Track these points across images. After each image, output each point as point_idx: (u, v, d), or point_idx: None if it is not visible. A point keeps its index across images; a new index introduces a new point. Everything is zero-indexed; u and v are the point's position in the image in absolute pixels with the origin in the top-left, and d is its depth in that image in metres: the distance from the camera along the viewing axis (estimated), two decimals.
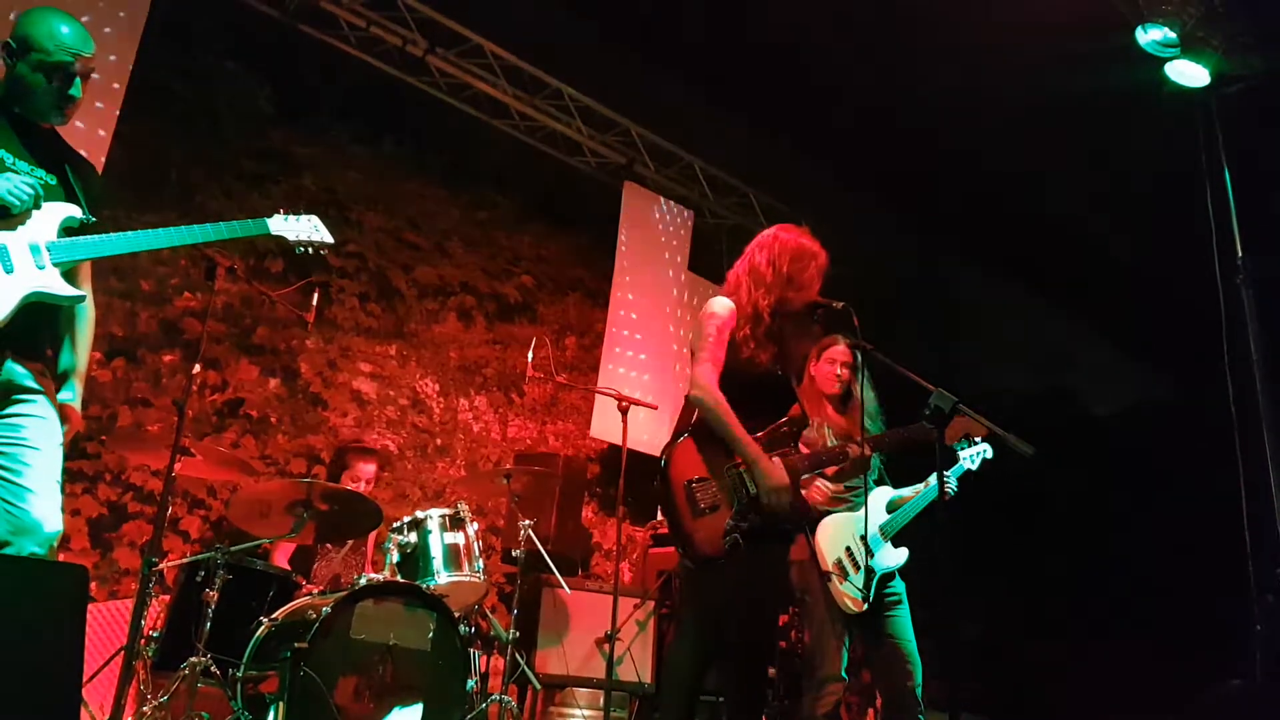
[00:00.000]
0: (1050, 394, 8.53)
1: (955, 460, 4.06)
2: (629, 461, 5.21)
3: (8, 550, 2.49)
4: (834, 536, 3.99)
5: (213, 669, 3.62)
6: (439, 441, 6.82)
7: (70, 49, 2.73)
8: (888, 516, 4.03)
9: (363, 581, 3.84)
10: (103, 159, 5.12)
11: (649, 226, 7.96)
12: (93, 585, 5.08)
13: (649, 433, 6.91)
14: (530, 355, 5.38)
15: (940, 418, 2.95)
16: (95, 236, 2.71)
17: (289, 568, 4.53)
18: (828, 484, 3.93)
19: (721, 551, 3.08)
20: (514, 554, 4.91)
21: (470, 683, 3.92)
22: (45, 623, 2.18)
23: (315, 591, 4.23)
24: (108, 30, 5.36)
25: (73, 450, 5.11)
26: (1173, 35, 4.96)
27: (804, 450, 3.39)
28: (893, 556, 3.97)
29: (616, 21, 6.53)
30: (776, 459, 3.18)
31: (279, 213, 3.15)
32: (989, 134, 6.89)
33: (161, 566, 3.89)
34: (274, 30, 6.30)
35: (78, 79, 2.76)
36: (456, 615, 3.92)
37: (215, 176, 6.04)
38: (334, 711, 3.42)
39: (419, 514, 4.41)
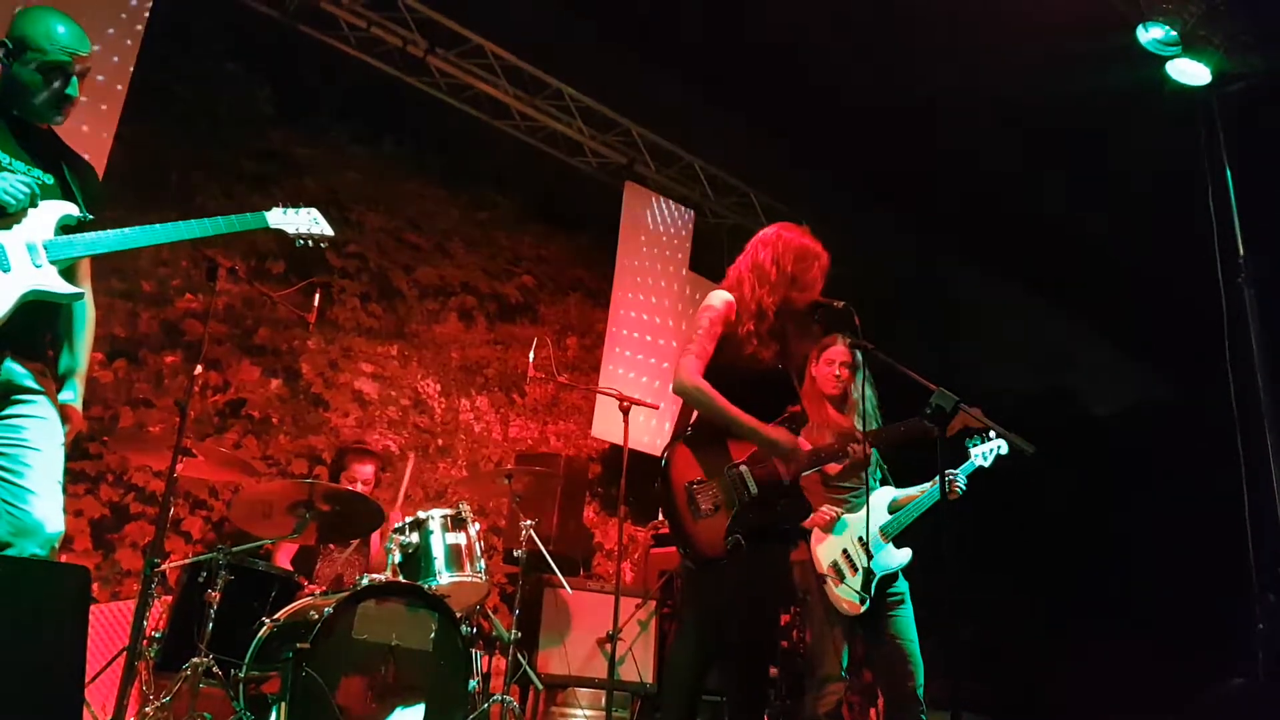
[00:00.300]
0: (1050, 394, 8.53)
1: (966, 457, 4.05)
2: (630, 461, 5.21)
3: (9, 552, 2.48)
4: (830, 540, 3.99)
5: (215, 669, 3.62)
6: (440, 442, 6.82)
7: (68, 49, 2.72)
8: (889, 517, 4.03)
9: (365, 582, 3.84)
10: (104, 161, 5.12)
11: (650, 226, 7.96)
12: (95, 586, 5.08)
13: (650, 433, 6.92)
14: (531, 355, 5.38)
15: (941, 417, 2.95)
16: (92, 234, 2.71)
17: (291, 568, 4.53)
18: (833, 508, 3.94)
19: (723, 553, 3.08)
20: (516, 554, 4.91)
21: (472, 683, 3.92)
22: (47, 623, 2.18)
23: (317, 592, 4.23)
24: (109, 32, 5.37)
25: (75, 451, 5.11)
26: (1173, 34, 4.96)
27: (805, 447, 3.38)
28: (894, 557, 3.97)
29: (616, 21, 6.53)
30: (775, 462, 3.19)
31: (277, 206, 3.13)
32: (989, 134, 6.88)
33: (164, 567, 3.90)
34: (274, 31, 6.30)
35: (75, 79, 2.75)
36: (458, 615, 3.92)
37: (216, 178, 6.04)
38: (336, 712, 3.42)
39: (420, 514, 4.41)
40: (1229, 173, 4.78)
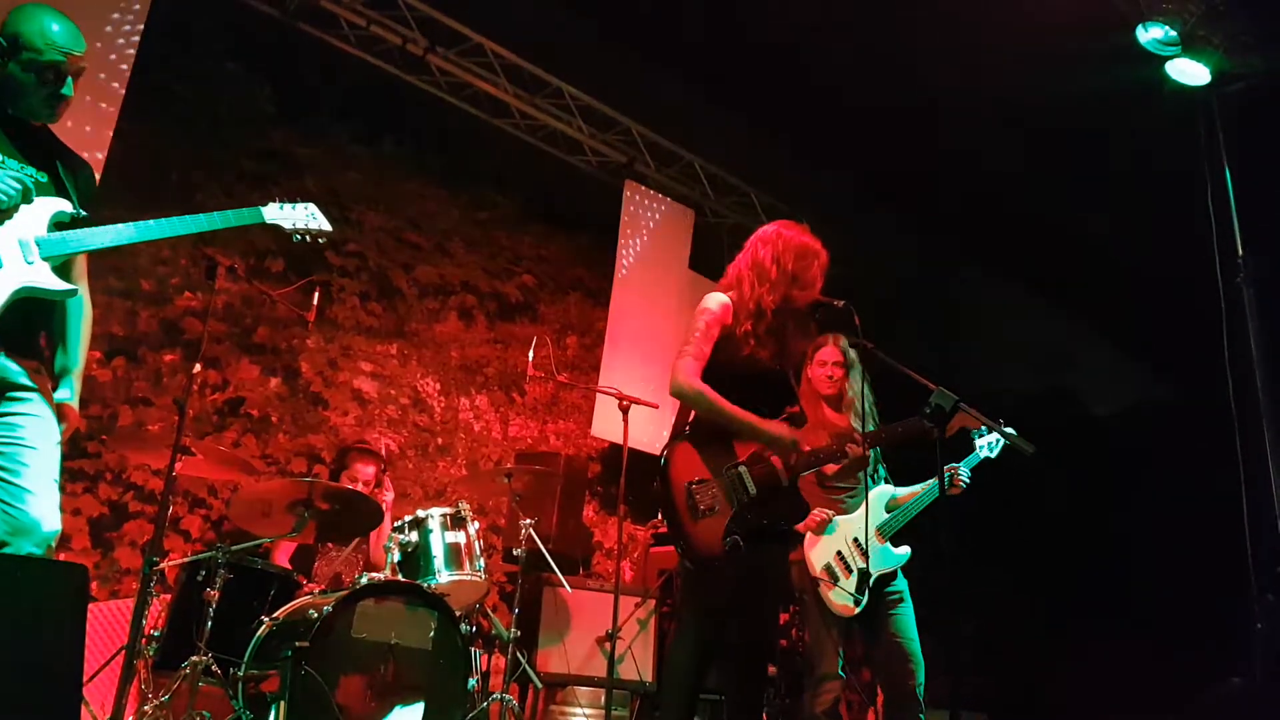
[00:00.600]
0: (1051, 394, 8.53)
1: (970, 449, 4.05)
2: (630, 460, 5.21)
3: (5, 550, 2.47)
4: (824, 542, 3.99)
5: (214, 668, 3.62)
6: (440, 441, 6.82)
7: (62, 48, 2.71)
8: (886, 516, 4.03)
9: (364, 580, 3.84)
10: (103, 160, 5.12)
11: (650, 225, 7.96)
12: (94, 585, 5.08)
13: (650, 432, 6.91)
14: (531, 354, 5.38)
15: (941, 416, 2.95)
16: (86, 230, 2.69)
17: (290, 567, 4.53)
18: (825, 511, 3.95)
19: (721, 553, 3.08)
20: (515, 553, 4.91)
21: (471, 682, 3.92)
22: (46, 622, 2.18)
23: (316, 590, 4.23)
24: (108, 30, 5.36)
25: (73, 449, 5.12)
26: (1173, 33, 4.96)
27: (803, 448, 3.38)
28: (892, 557, 3.97)
29: (617, 20, 6.52)
30: (772, 457, 3.19)
31: (274, 201, 3.12)
32: (990, 134, 6.88)
33: (162, 566, 3.90)
34: (274, 30, 6.30)
35: (69, 79, 2.75)
36: (458, 614, 3.92)
37: (216, 177, 6.04)
38: (335, 711, 3.42)
39: (420, 513, 4.41)
40: (1228, 173, 4.79)
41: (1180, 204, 5.16)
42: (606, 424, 7.03)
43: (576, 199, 7.92)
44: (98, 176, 3.11)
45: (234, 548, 3.94)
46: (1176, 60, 5.04)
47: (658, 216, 8.03)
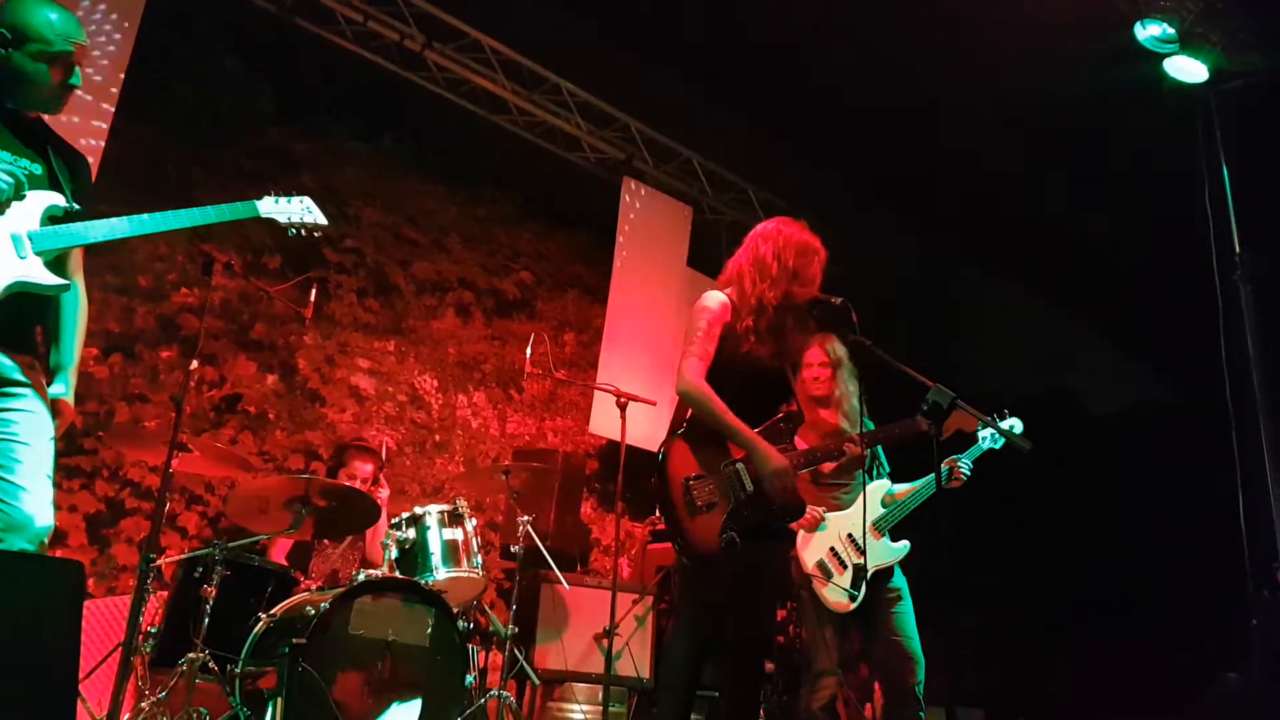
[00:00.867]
0: (1050, 394, 8.53)
1: (973, 441, 4.05)
2: (627, 457, 5.21)
3: None
4: (815, 539, 3.99)
5: (211, 665, 3.62)
6: (437, 438, 6.82)
7: (71, 38, 2.69)
8: (883, 511, 4.03)
9: (361, 577, 3.83)
10: (100, 156, 5.11)
11: (648, 222, 7.95)
12: (91, 581, 5.08)
13: (647, 429, 6.90)
14: (529, 351, 5.38)
15: (938, 413, 2.95)
16: (79, 224, 2.66)
17: (286, 564, 4.53)
18: (815, 509, 3.95)
19: (718, 549, 3.07)
20: (513, 550, 4.91)
21: (469, 678, 3.93)
22: (42, 619, 2.17)
23: (313, 587, 4.22)
24: (105, 24, 5.35)
25: (70, 446, 5.12)
26: (1171, 31, 4.96)
27: (800, 446, 3.38)
28: (889, 552, 3.97)
29: (615, 17, 6.51)
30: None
31: (269, 194, 3.10)
32: (989, 133, 6.88)
33: (159, 562, 3.89)
34: (272, 26, 6.28)
35: (76, 67, 2.74)
36: (455, 611, 3.92)
37: (214, 174, 6.03)
38: (333, 707, 3.42)
39: (417, 510, 4.41)
40: (1225, 170, 4.79)
41: (1179, 202, 5.16)
42: (604, 421, 7.03)
43: (574, 196, 7.91)
44: (94, 173, 3.09)
45: (231, 544, 3.94)
46: (1175, 58, 5.05)
47: (656, 213, 8.02)
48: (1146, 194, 6.59)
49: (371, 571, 3.98)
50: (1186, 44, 4.95)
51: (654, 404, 5.91)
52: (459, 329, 7.12)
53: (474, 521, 4.52)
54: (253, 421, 5.94)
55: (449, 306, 7.09)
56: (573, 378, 7.32)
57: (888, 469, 4.22)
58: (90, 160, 3.03)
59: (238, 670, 3.60)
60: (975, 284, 8.65)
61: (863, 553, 3.91)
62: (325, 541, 4.81)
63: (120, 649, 3.47)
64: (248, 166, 6.20)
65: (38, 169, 2.69)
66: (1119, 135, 6.48)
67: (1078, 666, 7.40)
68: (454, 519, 4.44)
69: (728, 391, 3.17)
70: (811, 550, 3.98)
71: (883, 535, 3.99)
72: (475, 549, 4.45)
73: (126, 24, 5.45)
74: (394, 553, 4.24)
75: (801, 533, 4.00)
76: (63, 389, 2.77)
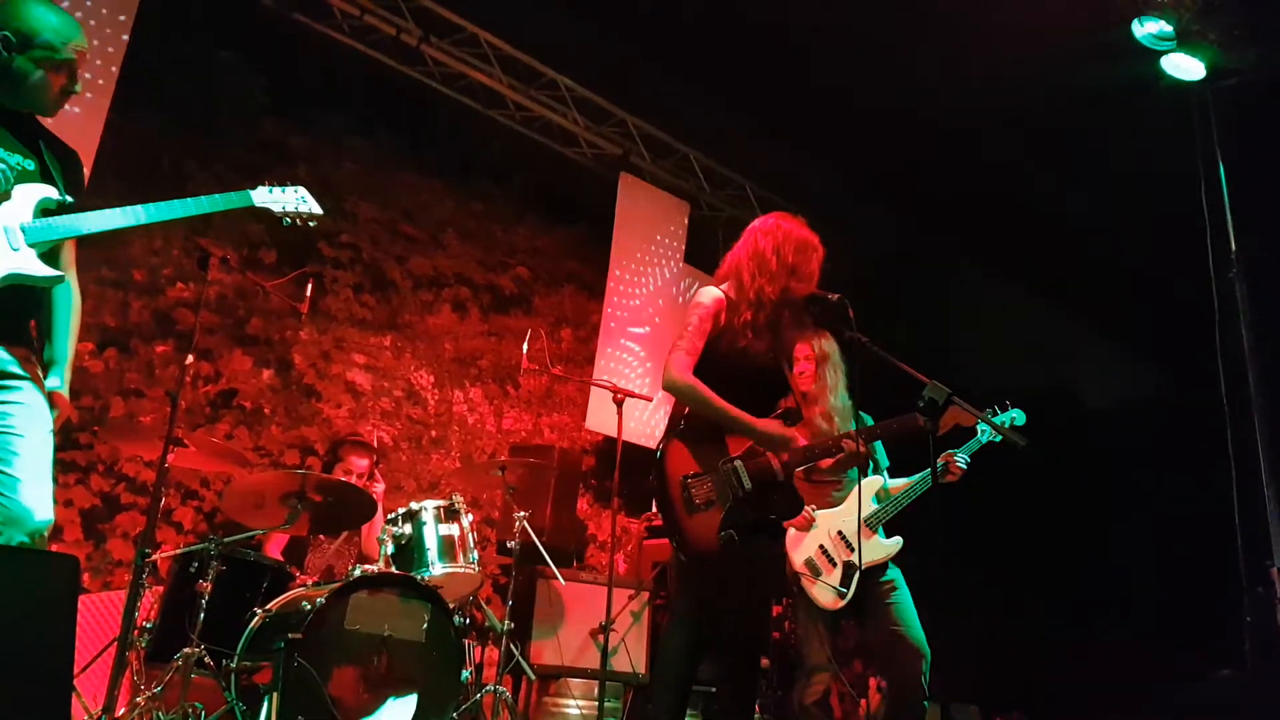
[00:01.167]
0: (1047, 391, 8.53)
1: (971, 435, 4.05)
2: (624, 453, 5.21)
3: None
4: (806, 537, 4.00)
5: (206, 660, 3.62)
6: (434, 433, 6.81)
7: (75, 45, 2.71)
8: (876, 507, 4.03)
9: (357, 572, 3.83)
10: (95, 149, 5.09)
11: (645, 218, 7.94)
12: (86, 576, 5.07)
13: (644, 425, 6.92)
14: (525, 347, 5.38)
15: (934, 410, 2.95)
16: (72, 216, 2.66)
17: (282, 559, 4.53)
18: (808, 508, 3.95)
19: (716, 547, 3.07)
20: (509, 545, 4.91)
21: (465, 673, 3.93)
22: (36, 614, 2.16)
23: (309, 583, 4.23)
24: (100, 17, 5.33)
25: (65, 441, 5.11)
26: (1169, 28, 4.96)
27: (799, 442, 3.38)
28: (881, 548, 3.97)
29: (612, 12, 6.50)
30: (770, 455, 3.19)
31: (263, 184, 3.10)
32: (988, 131, 6.88)
33: (155, 557, 3.88)
34: (268, 19, 6.26)
35: (77, 73, 2.75)
36: (451, 606, 3.93)
37: (208, 167, 6.01)
38: (328, 702, 3.42)
39: (414, 505, 4.40)
40: (1222, 168, 4.79)
41: (1175, 200, 5.17)
42: (601, 417, 7.03)
43: (571, 191, 7.90)
44: (88, 166, 3.09)
45: (227, 539, 3.94)
46: (1172, 55, 5.05)
47: (653, 209, 8.02)
48: (1143, 191, 6.59)
49: (367, 567, 3.98)
50: (1184, 41, 4.96)
51: (650, 400, 5.92)
52: (455, 324, 7.11)
53: (470, 517, 4.51)
54: (248, 417, 5.93)
55: (445, 302, 7.08)
56: (569, 374, 7.32)
57: (886, 464, 4.22)
58: (85, 152, 3.03)
59: (233, 665, 3.60)
60: (975, 282, 8.65)
61: (853, 550, 3.91)
62: (321, 537, 4.81)
63: (115, 644, 3.48)
64: (243, 160, 6.18)
65: (30, 164, 2.69)
66: (1116, 133, 6.48)
67: (1073, 662, 7.41)
68: (450, 514, 4.44)
69: (725, 387, 3.17)
70: (800, 549, 3.98)
71: (875, 532, 3.98)
72: (471, 544, 4.45)
73: (122, 16, 5.44)
74: (390, 548, 4.24)
75: (791, 531, 4.00)
76: (57, 383, 2.77)
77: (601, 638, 5.18)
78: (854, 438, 3.66)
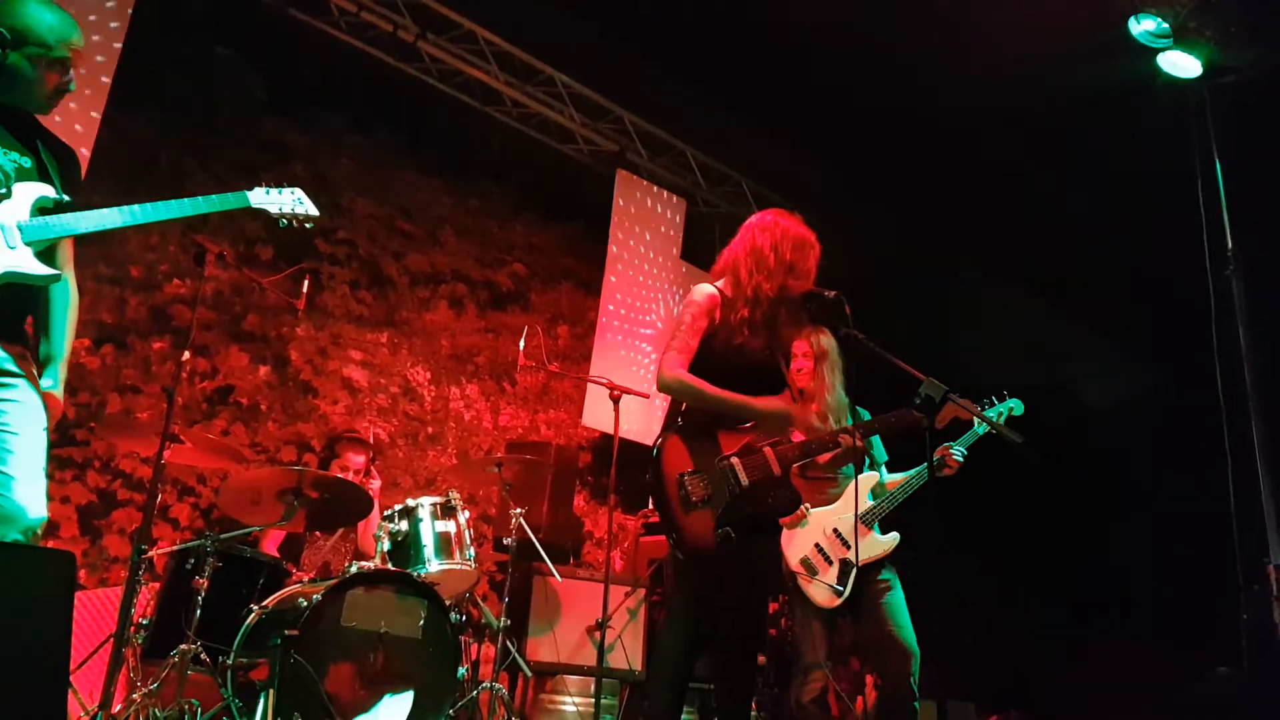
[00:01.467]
0: (1045, 389, 8.54)
1: (967, 427, 4.04)
2: (620, 450, 5.21)
3: None
4: (798, 536, 3.99)
5: (203, 656, 3.62)
6: (430, 430, 6.81)
7: (70, 43, 2.71)
8: (873, 503, 4.02)
9: (353, 569, 3.83)
10: (91, 146, 5.08)
11: (641, 215, 7.94)
12: (82, 572, 5.07)
13: (641, 422, 6.91)
14: (522, 344, 5.38)
15: (931, 407, 2.95)
16: (69, 214, 2.67)
17: (278, 555, 4.53)
18: (807, 507, 3.95)
19: (713, 544, 3.07)
20: (505, 542, 4.91)
21: (461, 670, 3.93)
22: (32, 610, 2.16)
23: (305, 579, 4.22)
24: (98, 15, 5.31)
25: (62, 437, 5.10)
26: (1165, 26, 4.97)
27: (796, 439, 3.38)
28: (878, 544, 3.96)
29: (609, 9, 6.49)
30: (767, 449, 3.18)
31: (260, 185, 3.10)
32: (988, 131, 6.87)
33: (151, 554, 3.89)
34: (266, 17, 6.25)
35: (71, 71, 2.74)
36: (448, 603, 3.92)
37: (206, 164, 6.00)
38: (325, 699, 3.42)
39: (410, 502, 4.40)
40: (1219, 165, 4.80)
41: (1172, 197, 5.17)
42: (597, 414, 7.03)
43: (568, 188, 7.90)
44: (85, 164, 3.09)
45: (223, 536, 3.94)
46: (1168, 53, 5.05)
47: (650, 206, 8.01)
48: (1141, 191, 6.59)
49: (364, 563, 3.98)
50: (1180, 39, 4.96)
51: (647, 397, 5.91)
52: (452, 321, 7.10)
53: (466, 514, 4.51)
54: (245, 413, 5.93)
55: (442, 299, 7.07)
56: (566, 370, 7.32)
57: (884, 458, 4.21)
58: (82, 150, 3.03)
59: (230, 662, 3.60)
60: (974, 281, 8.65)
61: (849, 547, 3.90)
62: (317, 533, 4.81)
63: (112, 640, 3.47)
64: (240, 157, 6.17)
65: (27, 162, 2.69)
66: (1115, 132, 6.48)
67: (1070, 661, 7.42)
68: (446, 511, 4.44)
69: (721, 383, 3.17)
70: (795, 547, 3.97)
71: (871, 528, 3.98)
72: (468, 541, 4.44)
73: (120, 13, 5.43)
74: (386, 545, 4.24)
75: (785, 529, 3.99)
76: (52, 381, 2.77)
77: (598, 635, 5.17)
78: (851, 432, 3.66)
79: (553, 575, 5.46)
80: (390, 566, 4.08)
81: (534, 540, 5.07)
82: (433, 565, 4.26)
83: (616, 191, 7.77)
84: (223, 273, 5.77)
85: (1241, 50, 4.88)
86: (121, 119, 5.41)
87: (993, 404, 4.03)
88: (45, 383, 2.75)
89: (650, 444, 3.28)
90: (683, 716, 3.26)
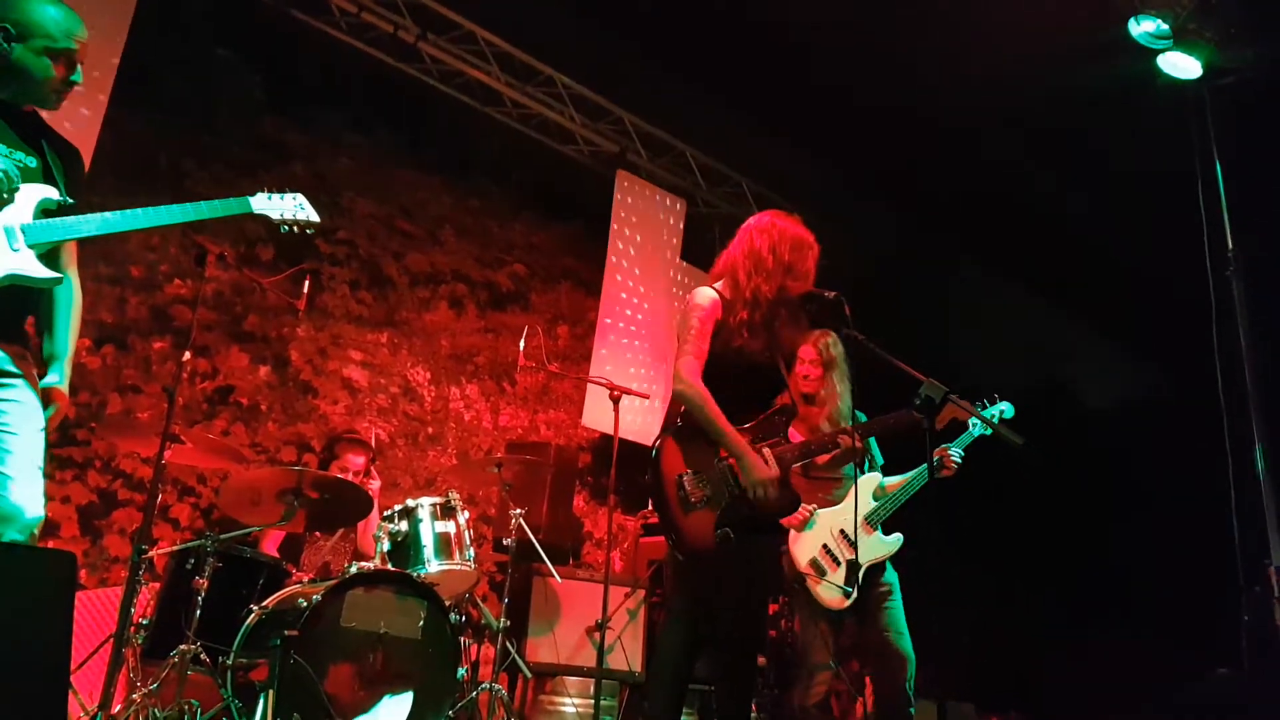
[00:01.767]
0: (1045, 389, 8.54)
1: (963, 429, 4.04)
2: (620, 451, 5.21)
3: None
4: (806, 537, 3.99)
5: (203, 657, 3.62)
6: (430, 430, 6.81)
7: (75, 35, 2.72)
8: (875, 504, 4.03)
9: (353, 569, 3.83)
10: (92, 147, 5.08)
11: (641, 215, 7.94)
12: (83, 573, 5.07)
13: (640, 422, 6.91)
14: (522, 344, 5.38)
15: (930, 407, 2.95)
16: (72, 218, 2.67)
17: (278, 556, 4.53)
18: (806, 507, 3.95)
19: (712, 545, 3.07)
20: (505, 543, 4.91)
21: (461, 671, 3.93)
22: (33, 610, 2.16)
23: (305, 579, 4.22)
24: (99, 15, 5.30)
25: (63, 437, 5.10)
26: (1165, 27, 4.96)
27: (795, 439, 3.38)
28: (882, 546, 3.97)
29: (609, 9, 6.49)
30: (765, 450, 3.18)
31: (262, 191, 3.11)
32: (988, 130, 6.87)
33: (151, 554, 3.89)
34: (266, 17, 6.26)
35: (78, 65, 2.74)
36: (447, 604, 3.92)
37: (206, 164, 6.00)
38: (324, 699, 3.42)
39: (410, 502, 4.40)
40: (1219, 166, 4.79)
41: (1172, 198, 5.17)
42: (597, 414, 7.03)
43: (568, 188, 7.90)
44: (87, 163, 3.09)
45: (223, 536, 3.94)
46: (1169, 54, 5.05)
47: (649, 206, 8.01)
48: (1142, 191, 6.59)
49: (363, 564, 3.98)
50: (1180, 39, 4.96)
51: (647, 397, 5.92)
52: (452, 321, 7.10)
53: (466, 514, 4.51)
54: (245, 413, 5.93)
55: (442, 299, 7.07)
56: (566, 371, 7.32)
57: (880, 462, 4.22)
58: (83, 150, 3.03)
59: (229, 662, 3.60)
60: (974, 281, 8.65)
61: (855, 548, 3.91)
62: (317, 534, 4.81)
63: (112, 640, 3.47)
64: (240, 157, 6.17)
65: (32, 162, 2.69)
66: (1114, 131, 6.48)
67: (1070, 661, 7.42)
68: (446, 512, 4.44)
69: (720, 385, 3.17)
70: (804, 548, 3.97)
71: (875, 529, 3.98)
72: (467, 542, 4.45)
73: (120, 13, 5.42)
74: (386, 545, 4.24)
75: (792, 530, 3.99)
76: (57, 378, 2.78)
77: (597, 635, 5.17)
78: (850, 433, 3.66)
79: (552, 576, 5.46)
80: (390, 567, 4.08)
81: (534, 541, 5.07)
82: (432, 566, 4.26)
83: (617, 192, 7.77)
84: (223, 273, 5.77)
85: (1242, 51, 4.87)
86: (122, 118, 5.42)
87: (985, 406, 4.04)
88: (51, 379, 2.76)
89: (649, 444, 3.28)
90: (682, 718, 3.25)
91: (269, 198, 3.09)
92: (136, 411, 5.41)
